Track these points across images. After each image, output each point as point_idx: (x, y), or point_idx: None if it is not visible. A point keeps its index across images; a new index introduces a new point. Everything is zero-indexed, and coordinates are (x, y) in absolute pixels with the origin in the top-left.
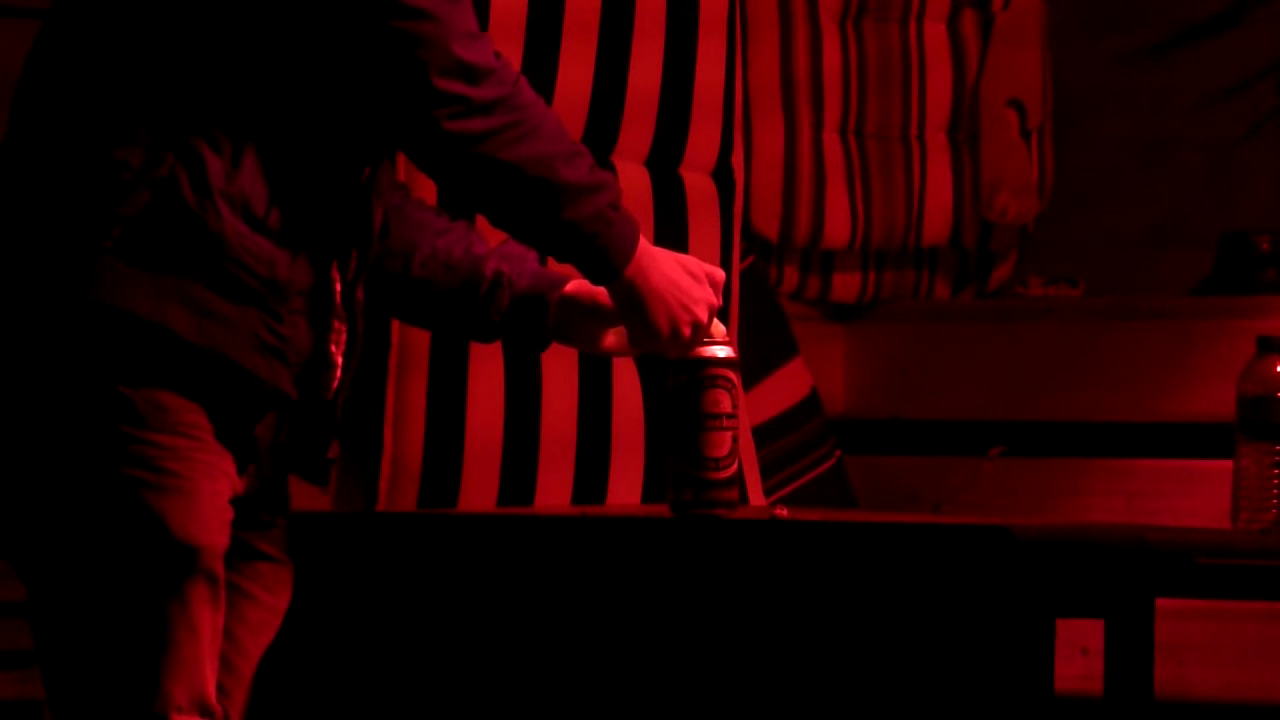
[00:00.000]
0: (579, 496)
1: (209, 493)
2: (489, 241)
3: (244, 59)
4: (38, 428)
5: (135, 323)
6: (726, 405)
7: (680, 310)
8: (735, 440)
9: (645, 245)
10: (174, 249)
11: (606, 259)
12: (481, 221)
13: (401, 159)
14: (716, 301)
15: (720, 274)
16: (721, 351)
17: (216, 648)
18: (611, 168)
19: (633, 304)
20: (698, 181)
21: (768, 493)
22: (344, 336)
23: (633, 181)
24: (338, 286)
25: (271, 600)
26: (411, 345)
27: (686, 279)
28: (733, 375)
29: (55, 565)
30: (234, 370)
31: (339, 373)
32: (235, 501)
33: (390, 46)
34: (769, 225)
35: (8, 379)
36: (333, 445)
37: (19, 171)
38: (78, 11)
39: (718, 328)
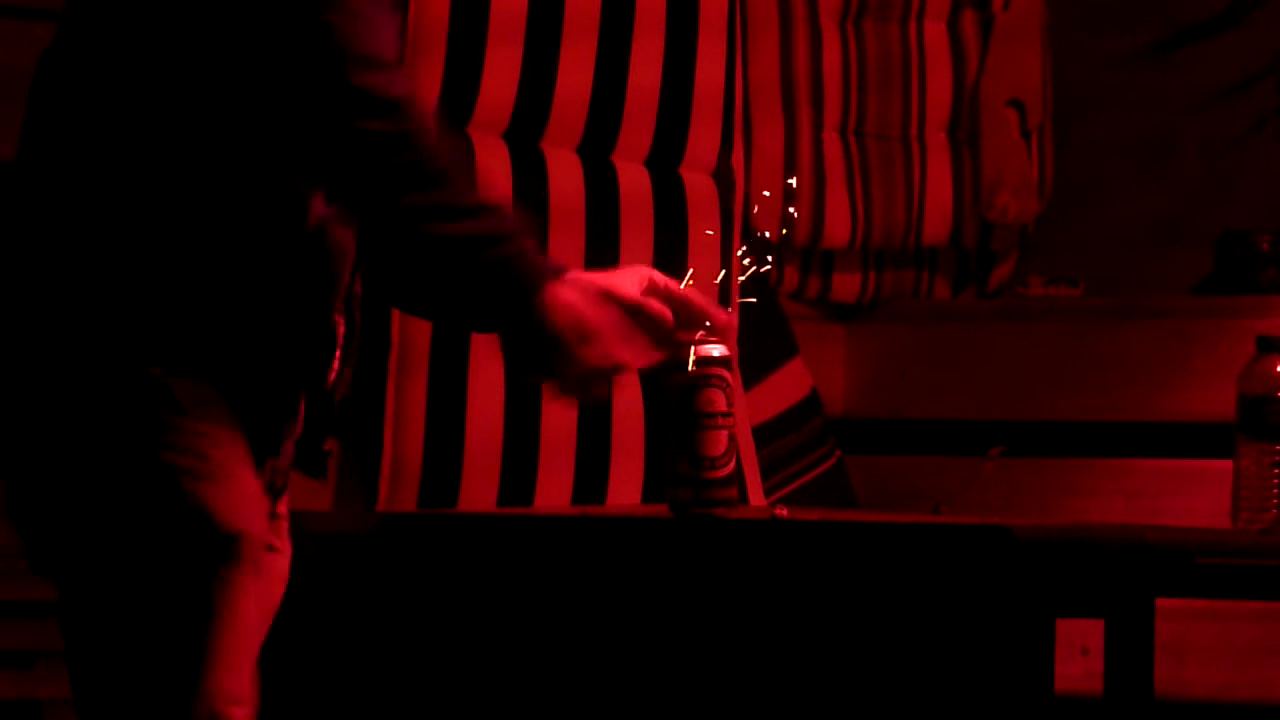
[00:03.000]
0: (579, 496)
1: (248, 479)
2: None
3: (216, 74)
4: (76, 417)
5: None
6: (722, 404)
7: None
8: (732, 439)
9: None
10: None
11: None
12: None
13: None
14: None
15: (665, 280)
16: (715, 350)
17: (260, 637)
18: (612, 167)
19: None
20: (698, 181)
21: (768, 493)
22: (342, 329)
23: (633, 181)
24: None
25: (268, 588)
26: (411, 345)
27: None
28: (727, 374)
29: (95, 557)
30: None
31: (336, 364)
32: None
33: (307, 51)
34: (769, 225)
35: (42, 375)
36: (329, 438)
37: (40, 180)
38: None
39: (721, 317)
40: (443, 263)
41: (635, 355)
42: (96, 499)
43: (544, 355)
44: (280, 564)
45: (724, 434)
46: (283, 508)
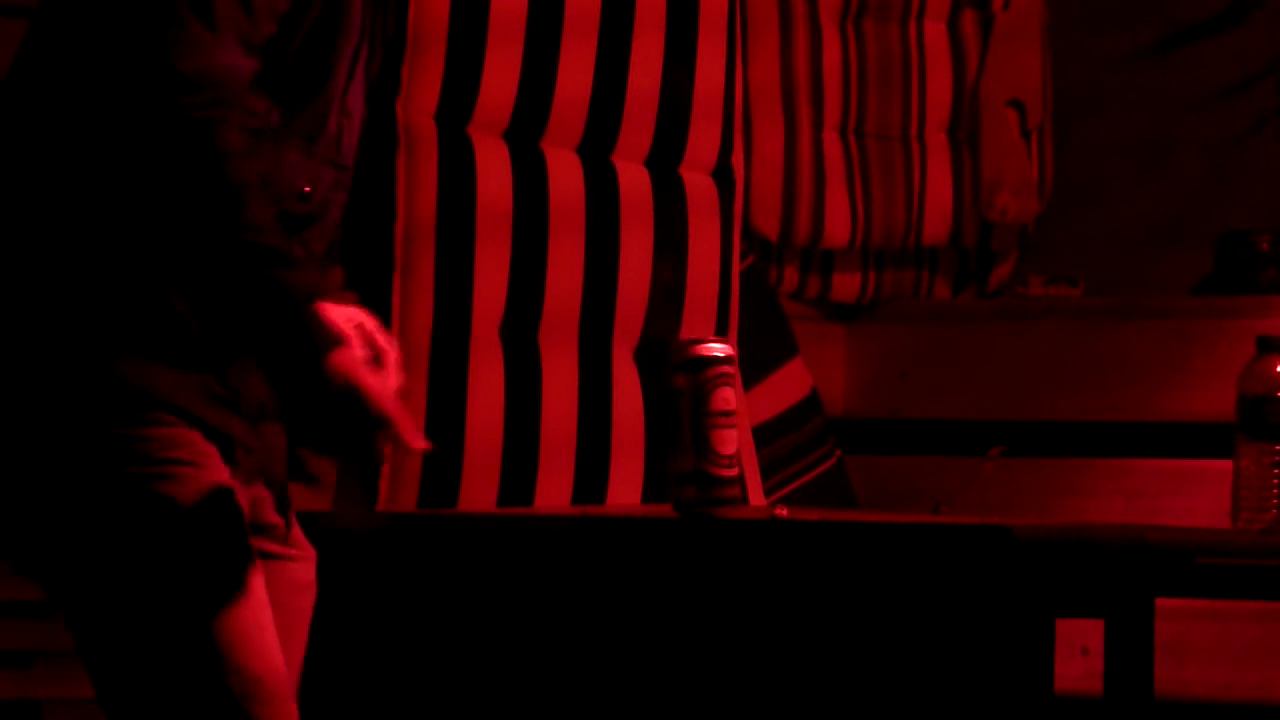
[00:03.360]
0: (579, 496)
1: (216, 471)
2: None
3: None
4: (38, 424)
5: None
6: (734, 403)
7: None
8: (739, 438)
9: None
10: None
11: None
12: None
13: None
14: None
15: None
16: (722, 349)
17: (268, 615)
18: (612, 168)
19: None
20: (698, 181)
21: (768, 493)
22: None
23: (633, 181)
24: None
25: (294, 600)
26: (412, 345)
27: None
28: (736, 371)
29: (90, 578)
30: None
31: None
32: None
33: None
34: (769, 225)
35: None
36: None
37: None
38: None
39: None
40: (233, 273)
41: (412, 428)
42: (76, 521)
43: (330, 416)
44: (296, 571)
45: (735, 432)
46: (276, 518)
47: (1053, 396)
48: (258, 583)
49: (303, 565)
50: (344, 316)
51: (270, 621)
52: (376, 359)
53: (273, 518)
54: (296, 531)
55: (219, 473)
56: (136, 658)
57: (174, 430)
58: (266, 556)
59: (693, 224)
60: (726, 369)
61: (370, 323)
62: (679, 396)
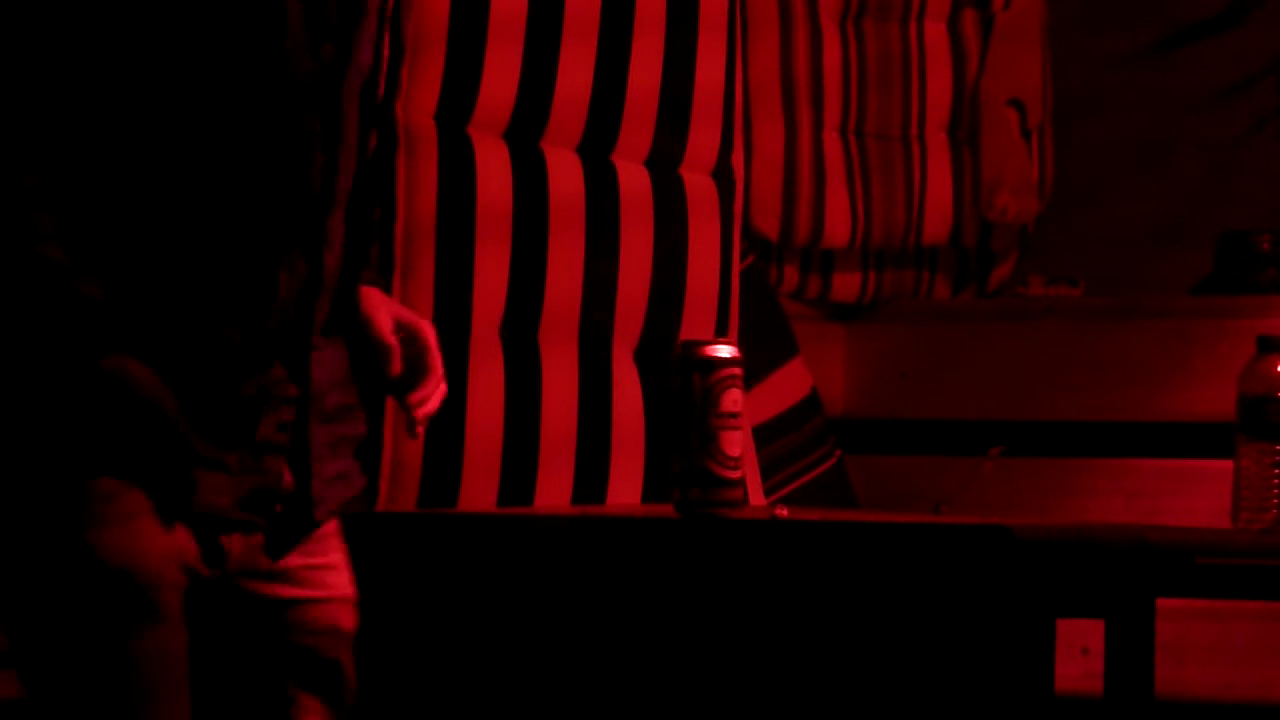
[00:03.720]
0: (579, 496)
1: (152, 524)
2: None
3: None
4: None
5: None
6: (741, 404)
7: None
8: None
9: None
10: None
11: None
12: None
13: None
14: None
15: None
16: (732, 351)
17: (181, 681)
18: (612, 168)
19: None
20: (698, 181)
21: (768, 493)
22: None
23: (633, 181)
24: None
25: (304, 641)
26: None
27: None
28: (742, 374)
29: (18, 616)
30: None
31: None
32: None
33: None
34: (769, 225)
35: None
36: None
37: None
38: None
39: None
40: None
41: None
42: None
43: (108, 427)
44: (309, 614)
45: (741, 435)
46: (295, 559)
47: (1053, 396)
48: (164, 636)
49: (323, 608)
50: (390, 316)
51: (177, 678)
52: (419, 369)
53: (263, 561)
54: (318, 574)
55: (156, 524)
56: (44, 694)
57: (122, 480)
58: (267, 601)
59: (693, 224)
60: (736, 370)
61: (428, 331)
62: (689, 396)
